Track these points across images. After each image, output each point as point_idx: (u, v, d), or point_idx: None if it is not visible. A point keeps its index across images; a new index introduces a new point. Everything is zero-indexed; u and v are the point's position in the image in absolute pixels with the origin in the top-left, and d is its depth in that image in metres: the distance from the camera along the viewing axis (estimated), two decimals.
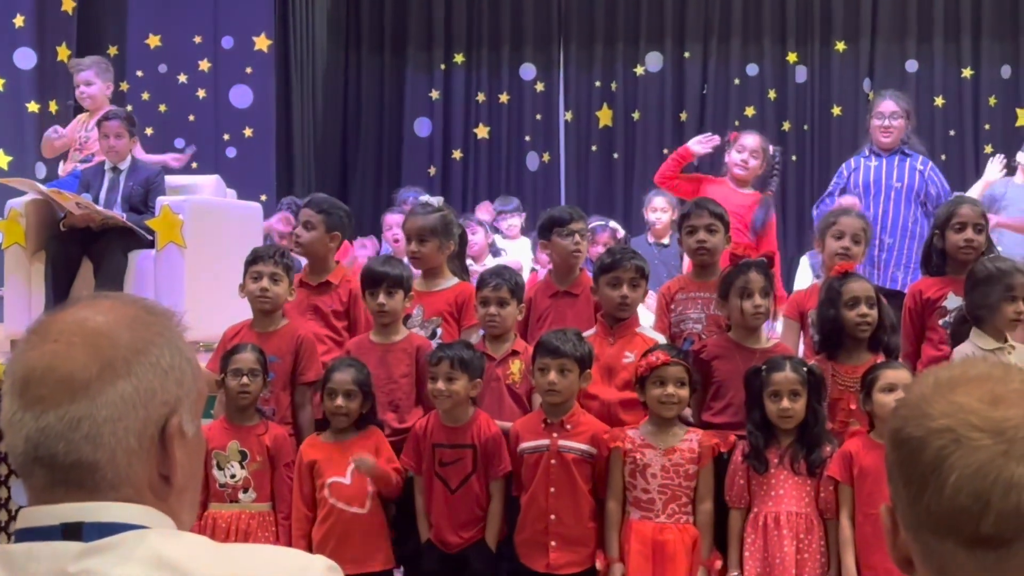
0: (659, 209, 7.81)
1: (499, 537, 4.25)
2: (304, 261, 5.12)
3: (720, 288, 4.47)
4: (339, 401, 4.25)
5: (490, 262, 7.04)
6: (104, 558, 1.27)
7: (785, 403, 4.03)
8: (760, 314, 4.37)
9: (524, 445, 4.20)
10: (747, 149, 5.97)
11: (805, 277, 7.49)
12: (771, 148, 6.10)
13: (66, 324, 1.35)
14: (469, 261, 5.88)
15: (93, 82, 6.79)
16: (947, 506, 1.18)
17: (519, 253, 8.01)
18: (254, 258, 4.67)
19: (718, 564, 4.07)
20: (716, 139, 6.37)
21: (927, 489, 1.20)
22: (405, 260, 5.00)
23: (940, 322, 4.59)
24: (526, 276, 5.15)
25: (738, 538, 4.06)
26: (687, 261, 5.64)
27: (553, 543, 4.11)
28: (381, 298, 4.51)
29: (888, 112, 6.19)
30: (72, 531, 1.28)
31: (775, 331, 5.01)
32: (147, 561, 1.27)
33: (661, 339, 4.49)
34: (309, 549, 4.15)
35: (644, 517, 4.09)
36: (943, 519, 1.19)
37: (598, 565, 4.10)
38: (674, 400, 4.10)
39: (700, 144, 6.28)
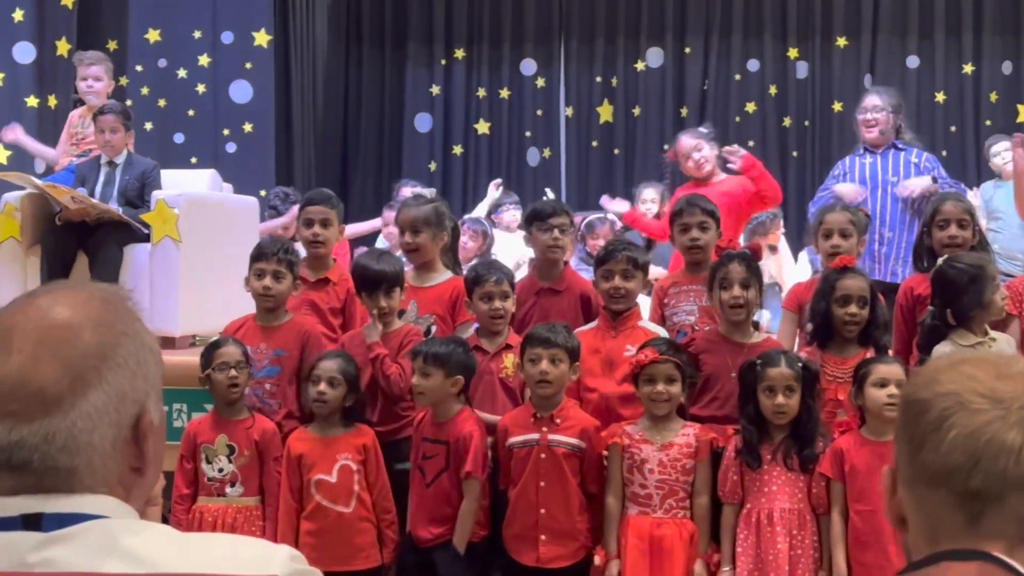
0: (648, 200, 7.78)
1: (471, 539, 4.17)
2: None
3: (707, 280, 4.47)
4: (322, 387, 4.25)
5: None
6: (64, 548, 1.26)
7: (780, 399, 4.00)
8: (739, 306, 4.34)
9: (513, 439, 4.18)
10: (690, 152, 6.02)
11: (804, 271, 7.47)
12: (706, 130, 6.15)
13: (28, 331, 1.33)
14: None
15: (102, 78, 6.79)
16: (942, 461, 1.32)
17: (517, 246, 7.94)
18: (258, 254, 4.66)
19: (716, 558, 4.06)
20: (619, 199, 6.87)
21: (926, 445, 1.34)
22: (397, 253, 5.00)
23: None
24: (526, 269, 5.12)
25: (731, 534, 4.04)
26: (673, 257, 5.64)
27: (543, 537, 4.10)
28: (382, 301, 4.49)
29: (870, 106, 6.21)
30: (32, 522, 1.27)
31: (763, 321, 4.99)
32: (108, 551, 1.26)
33: (663, 333, 4.47)
34: (296, 543, 4.14)
35: (642, 512, 4.08)
36: (938, 472, 1.32)
37: (596, 561, 4.08)
38: (664, 397, 4.08)
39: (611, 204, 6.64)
